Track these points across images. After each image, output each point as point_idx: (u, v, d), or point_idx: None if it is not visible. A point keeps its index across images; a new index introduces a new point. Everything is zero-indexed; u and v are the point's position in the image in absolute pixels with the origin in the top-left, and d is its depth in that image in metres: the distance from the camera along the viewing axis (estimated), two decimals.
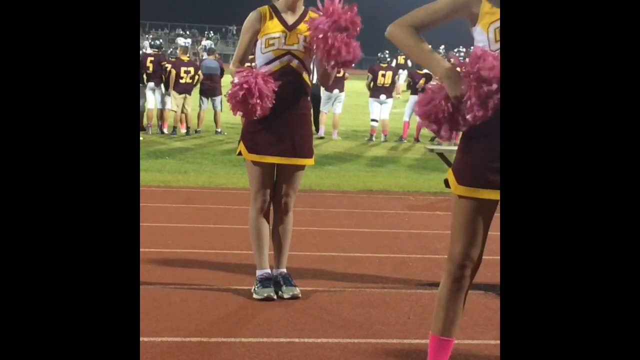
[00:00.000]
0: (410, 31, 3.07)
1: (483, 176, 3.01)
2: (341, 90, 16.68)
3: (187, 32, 40.35)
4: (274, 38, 4.74)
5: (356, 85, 27.95)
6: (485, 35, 2.98)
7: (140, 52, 17.72)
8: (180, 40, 19.75)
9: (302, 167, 4.93)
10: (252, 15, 4.82)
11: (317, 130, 16.73)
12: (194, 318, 4.42)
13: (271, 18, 4.79)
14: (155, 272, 5.37)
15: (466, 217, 3.08)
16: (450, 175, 3.13)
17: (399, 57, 31.17)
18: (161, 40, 19.97)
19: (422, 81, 16.92)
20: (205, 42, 22.10)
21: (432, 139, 17.01)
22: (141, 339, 3.99)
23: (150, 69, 16.26)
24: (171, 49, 19.43)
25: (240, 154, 4.91)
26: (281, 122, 4.76)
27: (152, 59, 16.42)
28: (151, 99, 16.40)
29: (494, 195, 3.01)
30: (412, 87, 17.09)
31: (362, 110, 19.67)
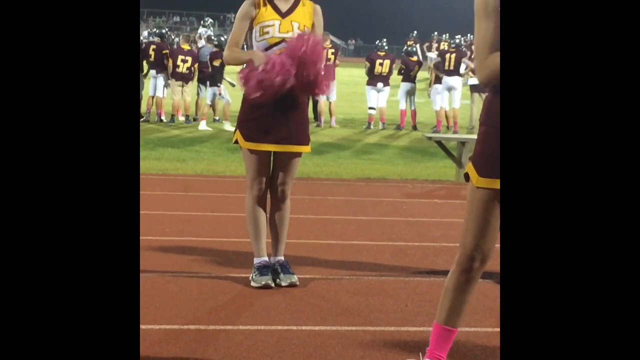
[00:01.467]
0: (492, 58, 2.94)
1: (499, 166, 3.00)
2: (333, 78, 16.65)
3: (210, 20, 40.23)
4: (269, 26, 4.74)
5: (354, 73, 27.91)
6: None
7: (142, 40, 17.78)
8: (201, 30, 19.75)
9: (298, 155, 4.92)
10: (246, 3, 4.82)
11: (316, 119, 16.70)
12: (192, 306, 4.43)
13: (265, 5, 4.78)
14: (154, 260, 5.38)
15: (480, 207, 3.07)
16: (470, 168, 3.12)
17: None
18: (166, 29, 19.98)
19: (416, 68, 16.92)
20: (202, 30, 22.05)
21: (432, 129, 17.02)
22: (140, 326, 4.00)
23: (152, 57, 16.30)
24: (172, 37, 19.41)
25: (236, 142, 4.91)
26: (277, 109, 4.75)
27: (155, 47, 16.45)
28: (152, 86, 16.42)
29: None
30: (405, 74, 17.06)
31: (359, 99, 19.67)
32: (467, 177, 3.15)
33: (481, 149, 3.08)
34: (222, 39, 17.18)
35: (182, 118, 16.46)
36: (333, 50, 17.04)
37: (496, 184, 3.01)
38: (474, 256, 3.10)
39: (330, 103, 16.92)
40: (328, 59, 16.51)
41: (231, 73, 22.35)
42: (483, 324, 4.31)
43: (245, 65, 4.82)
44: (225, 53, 4.92)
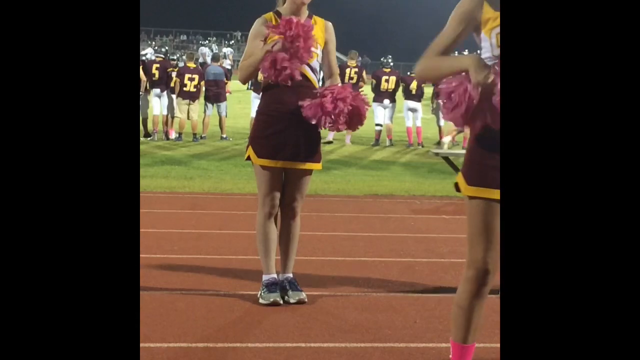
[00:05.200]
0: (435, 57, 3.07)
1: (492, 176, 2.96)
2: None
3: (209, 40, 40.92)
4: None
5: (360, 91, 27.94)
6: (488, 41, 2.99)
7: (145, 58, 17.78)
8: (203, 49, 19.82)
9: (310, 172, 4.93)
10: (258, 22, 4.82)
11: None
12: (200, 324, 4.42)
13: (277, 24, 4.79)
14: (162, 278, 5.38)
15: (481, 219, 3.02)
16: (459, 177, 3.10)
17: None
18: (167, 48, 20.06)
19: (414, 83, 16.83)
20: (204, 49, 22.18)
21: (437, 143, 17.00)
22: (147, 345, 3.99)
23: (156, 75, 16.32)
24: (177, 55, 19.38)
25: (248, 158, 4.91)
26: (290, 126, 4.76)
27: (158, 65, 16.46)
28: (157, 105, 16.44)
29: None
30: (406, 92, 17.04)
31: (367, 115, 19.72)
32: (457, 187, 3.13)
33: (470, 158, 3.08)
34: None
35: (174, 135, 16.43)
36: (356, 70, 16.83)
37: (485, 192, 2.99)
38: (488, 270, 3.05)
39: None
40: (350, 78, 16.48)
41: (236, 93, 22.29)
42: (491, 339, 4.28)
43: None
44: (238, 73, 4.89)
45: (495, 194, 2.97)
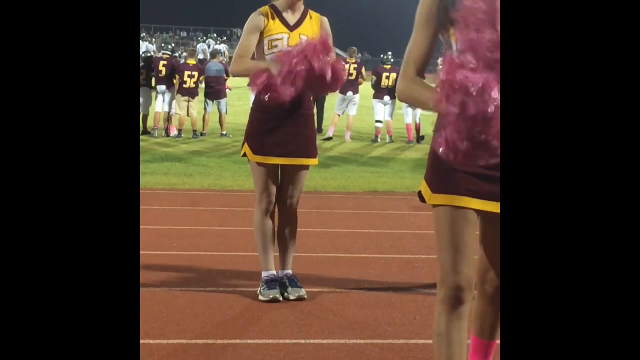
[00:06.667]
0: (416, 82, 2.71)
1: (460, 182, 2.70)
2: (355, 92, 16.72)
3: (207, 36, 40.97)
4: (277, 39, 4.75)
5: (360, 86, 27.93)
6: (449, 42, 2.72)
7: (152, 55, 17.78)
8: (202, 46, 19.82)
9: (306, 167, 4.93)
10: (253, 16, 4.81)
11: (319, 130, 16.71)
12: (200, 320, 4.43)
13: (273, 18, 4.79)
14: (161, 275, 5.38)
15: (449, 231, 2.73)
16: (423, 186, 2.81)
17: None
18: (173, 45, 20.02)
19: None
20: (203, 45, 22.24)
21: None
22: (147, 341, 4.00)
23: (163, 72, 16.30)
24: (178, 52, 19.38)
25: (244, 155, 4.92)
26: (285, 123, 4.76)
27: (165, 62, 16.43)
28: (159, 101, 16.44)
29: (477, 204, 2.70)
30: None
31: (367, 112, 19.70)
32: (421, 197, 2.82)
33: (432, 163, 2.77)
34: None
35: (175, 132, 16.44)
36: (355, 66, 16.83)
37: (452, 200, 2.70)
38: (460, 287, 2.71)
39: (348, 117, 16.92)
40: (350, 74, 16.49)
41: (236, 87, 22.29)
42: None
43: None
44: (233, 65, 4.84)
45: (464, 201, 2.70)
